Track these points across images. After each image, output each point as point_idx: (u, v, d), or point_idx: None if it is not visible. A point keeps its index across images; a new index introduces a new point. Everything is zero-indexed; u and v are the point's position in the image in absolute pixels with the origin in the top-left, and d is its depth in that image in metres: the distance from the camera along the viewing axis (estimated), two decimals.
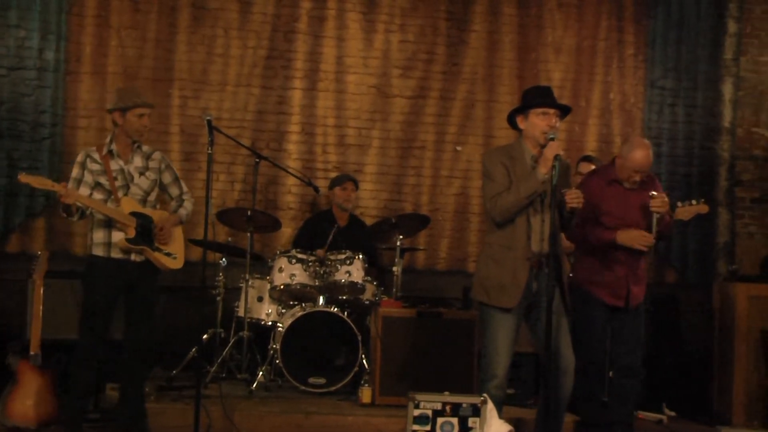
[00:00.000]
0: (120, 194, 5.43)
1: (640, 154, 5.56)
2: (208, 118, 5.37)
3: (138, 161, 5.55)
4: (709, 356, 7.60)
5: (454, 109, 8.31)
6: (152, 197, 5.60)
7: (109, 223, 5.39)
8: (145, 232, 5.44)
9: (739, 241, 8.38)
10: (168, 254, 5.53)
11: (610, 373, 6.08)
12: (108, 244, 5.40)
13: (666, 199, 5.47)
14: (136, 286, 5.47)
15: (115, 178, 5.45)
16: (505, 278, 4.88)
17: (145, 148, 5.63)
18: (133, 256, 5.43)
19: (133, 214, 5.42)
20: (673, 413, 6.85)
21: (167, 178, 5.68)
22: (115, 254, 5.41)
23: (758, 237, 8.39)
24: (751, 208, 8.44)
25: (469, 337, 6.43)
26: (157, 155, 5.65)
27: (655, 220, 5.47)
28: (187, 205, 5.73)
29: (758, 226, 8.44)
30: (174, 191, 5.71)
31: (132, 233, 5.39)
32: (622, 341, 5.69)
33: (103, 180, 5.43)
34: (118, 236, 5.39)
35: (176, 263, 5.59)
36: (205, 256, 5.51)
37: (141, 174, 5.54)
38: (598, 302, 5.62)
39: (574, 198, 4.81)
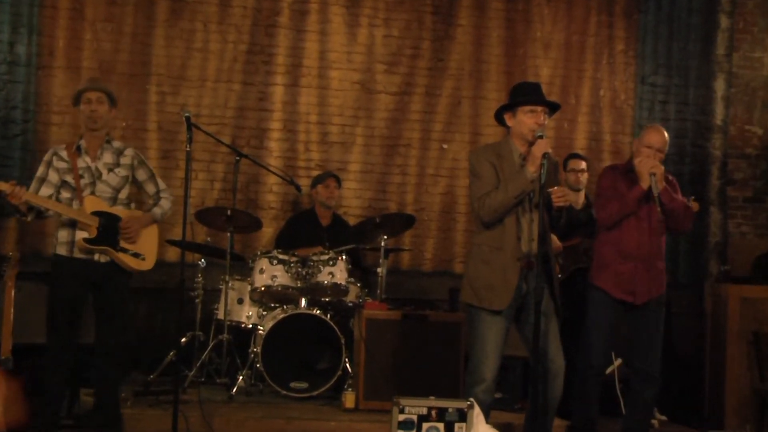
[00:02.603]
0: (86, 192, 5.38)
1: (653, 130, 5.63)
2: (187, 114, 5.35)
3: (108, 158, 5.50)
4: (700, 359, 7.65)
5: (440, 105, 8.32)
6: (123, 195, 5.54)
7: (73, 223, 5.35)
8: (110, 231, 5.39)
9: (731, 241, 8.42)
10: (135, 255, 5.47)
11: (618, 383, 6.12)
12: (71, 243, 5.36)
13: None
14: (103, 287, 5.42)
15: (82, 176, 5.40)
16: (495, 280, 4.88)
17: (116, 143, 5.59)
18: (96, 256, 5.38)
19: (98, 213, 5.36)
20: (663, 417, 6.88)
21: (142, 175, 5.63)
22: (78, 254, 5.36)
23: (750, 237, 8.43)
24: (743, 208, 8.47)
25: (455, 340, 6.44)
26: (129, 151, 5.60)
27: (655, 190, 5.40)
28: (164, 204, 5.68)
29: (751, 226, 8.47)
30: (150, 189, 5.67)
31: (93, 233, 5.34)
32: (635, 343, 5.68)
33: (69, 178, 5.39)
34: (80, 236, 5.35)
35: (144, 264, 5.54)
36: (184, 257, 5.49)
37: (110, 171, 5.48)
38: (607, 301, 5.60)
39: (560, 197, 4.81)
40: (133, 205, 5.63)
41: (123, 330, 5.52)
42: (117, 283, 5.48)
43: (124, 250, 5.43)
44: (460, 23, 8.34)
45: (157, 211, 5.63)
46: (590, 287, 5.71)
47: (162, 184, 5.73)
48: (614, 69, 8.53)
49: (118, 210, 5.48)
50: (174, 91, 7.91)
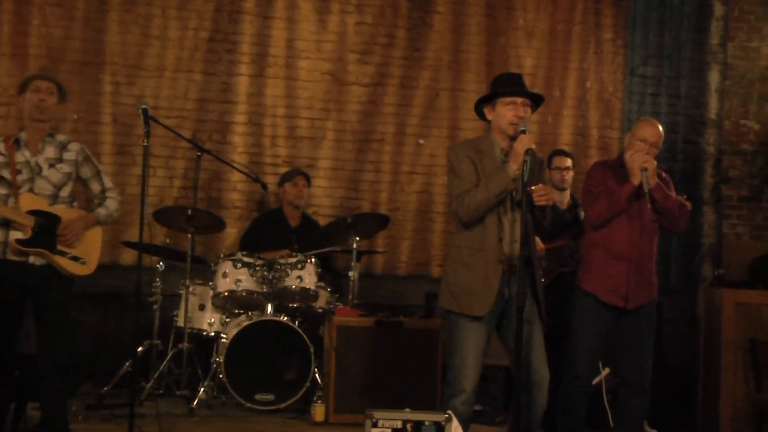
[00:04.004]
0: (23, 189, 5.32)
1: (648, 123, 5.67)
2: (144, 106, 5.33)
3: (50, 152, 5.44)
4: (693, 368, 7.70)
5: (416, 98, 8.33)
6: (65, 193, 5.47)
7: (7, 222, 5.30)
8: (47, 232, 5.34)
9: (725, 243, 8.49)
10: (74, 258, 5.43)
11: (605, 394, 6.14)
12: (4, 245, 5.30)
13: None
14: (41, 293, 5.35)
15: (20, 171, 5.34)
16: (476, 284, 4.89)
17: (61, 137, 5.54)
18: (31, 259, 5.32)
19: (34, 212, 5.31)
20: (654, 431, 6.93)
21: (86, 172, 5.58)
22: (11, 256, 5.29)
23: (746, 238, 8.50)
24: (738, 207, 8.54)
25: (432, 349, 6.46)
26: (74, 146, 5.55)
27: (646, 186, 5.44)
28: (110, 204, 5.62)
29: (746, 227, 8.53)
30: (95, 187, 5.62)
31: (28, 233, 5.29)
32: (624, 352, 5.69)
33: (5, 173, 5.33)
34: (15, 236, 5.30)
35: (85, 269, 5.49)
36: (141, 260, 5.46)
37: (51, 166, 5.42)
38: (595, 306, 5.61)
39: (542, 195, 4.81)
40: (75, 204, 5.58)
41: (68, 338, 5.47)
42: (56, 288, 5.39)
43: (62, 253, 5.36)
44: (438, 10, 8.36)
45: (101, 212, 5.58)
46: (577, 291, 5.71)
47: (108, 183, 5.68)
48: (601, 59, 8.58)
49: (59, 209, 5.41)
50: (130, 82, 7.88)
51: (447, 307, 5.01)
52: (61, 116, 7.38)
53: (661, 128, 5.64)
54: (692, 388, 7.58)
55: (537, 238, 5.41)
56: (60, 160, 5.47)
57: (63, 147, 5.51)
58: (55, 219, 5.36)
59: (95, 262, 5.55)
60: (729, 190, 8.54)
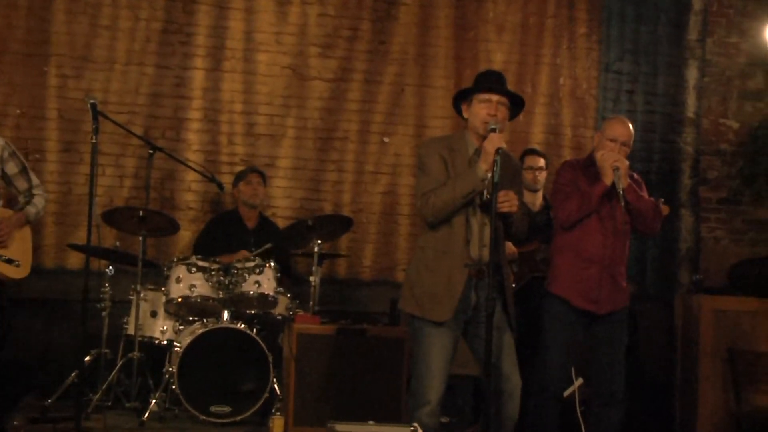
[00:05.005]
0: None
1: (617, 122, 5.72)
2: (92, 101, 5.32)
3: None
4: (669, 379, 7.76)
5: (381, 94, 8.35)
6: None
7: None
8: None
9: (703, 248, 8.55)
10: (8, 261, 5.39)
11: (578, 405, 6.15)
12: None
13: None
14: None
15: None
16: (439, 287, 4.90)
17: None
18: None
19: None
20: None
21: (12, 168, 5.54)
22: None
23: (725, 243, 8.57)
24: (717, 210, 8.60)
25: (397, 358, 6.46)
26: None
27: (619, 185, 5.48)
28: (38, 202, 5.59)
29: (725, 231, 8.59)
30: (21, 185, 5.59)
31: None
32: (596, 361, 5.71)
33: None
34: None
35: (19, 272, 5.45)
36: (88, 264, 5.44)
37: None
38: (566, 312, 5.63)
39: (505, 202, 4.81)
40: (1, 203, 5.53)
41: (5, 347, 5.43)
42: None
43: None
44: (404, 2, 8.38)
45: (30, 210, 5.54)
46: (547, 296, 5.74)
47: (35, 180, 5.64)
48: (575, 54, 8.63)
49: None
50: (77, 75, 7.84)
51: (409, 311, 5.02)
52: None
53: (631, 126, 5.69)
54: (669, 400, 7.64)
55: (509, 243, 5.44)
56: None
57: None
58: None
59: (29, 264, 5.51)
60: (707, 192, 8.60)
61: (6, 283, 5.43)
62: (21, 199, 5.60)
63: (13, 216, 5.45)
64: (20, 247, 5.46)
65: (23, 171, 5.58)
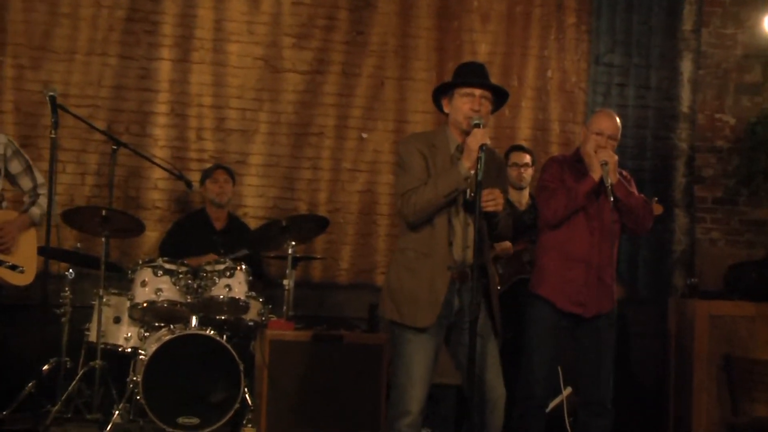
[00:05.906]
0: None
1: (604, 115, 5.74)
2: (52, 93, 5.31)
3: None
4: (663, 387, 7.78)
5: (359, 87, 8.35)
6: None
7: None
8: None
9: (698, 249, 8.57)
10: (12, 267, 5.37)
11: (567, 416, 6.15)
12: None
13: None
14: None
15: None
16: (420, 291, 4.89)
17: None
18: None
19: None
20: None
21: (15, 167, 5.54)
22: None
23: (721, 244, 8.58)
24: (712, 210, 8.62)
25: (376, 366, 6.46)
26: (0, 138, 5.50)
27: (607, 181, 5.48)
28: (43, 202, 5.60)
29: (721, 232, 8.61)
30: (25, 184, 5.59)
31: None
32: (583, 368, 5.71)
33: None
34: None
35: (24, 278, 5.45)
36: (48, 267, 5.41)
37: None
38: (551, 315, 5.63)
39: (489, 201, 4.80)
40: (5, 205, 5.52)
41: None
42: None
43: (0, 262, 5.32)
44: None
45: (35, 211, 5.55)
46: (531, 298, 5.73)
47: (40, 178, 5.65)
48: (564, 46, 8.64)
49: None
50: (35, 65, 7.83)
51: (389, 316, 5.01)
52: None
53: (618, 119, 5.70)
54: (662, 409, 7.66)
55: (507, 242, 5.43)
56: None
57: None
58: None
59: (34, 270, 5.51)
60: (702, 191, 8.62)
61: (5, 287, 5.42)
62: (25, 199, 5.58)
63: (17, 219, 5.44)
64: (24, 252, 5.45)
65: (28, 169, 5.58)
